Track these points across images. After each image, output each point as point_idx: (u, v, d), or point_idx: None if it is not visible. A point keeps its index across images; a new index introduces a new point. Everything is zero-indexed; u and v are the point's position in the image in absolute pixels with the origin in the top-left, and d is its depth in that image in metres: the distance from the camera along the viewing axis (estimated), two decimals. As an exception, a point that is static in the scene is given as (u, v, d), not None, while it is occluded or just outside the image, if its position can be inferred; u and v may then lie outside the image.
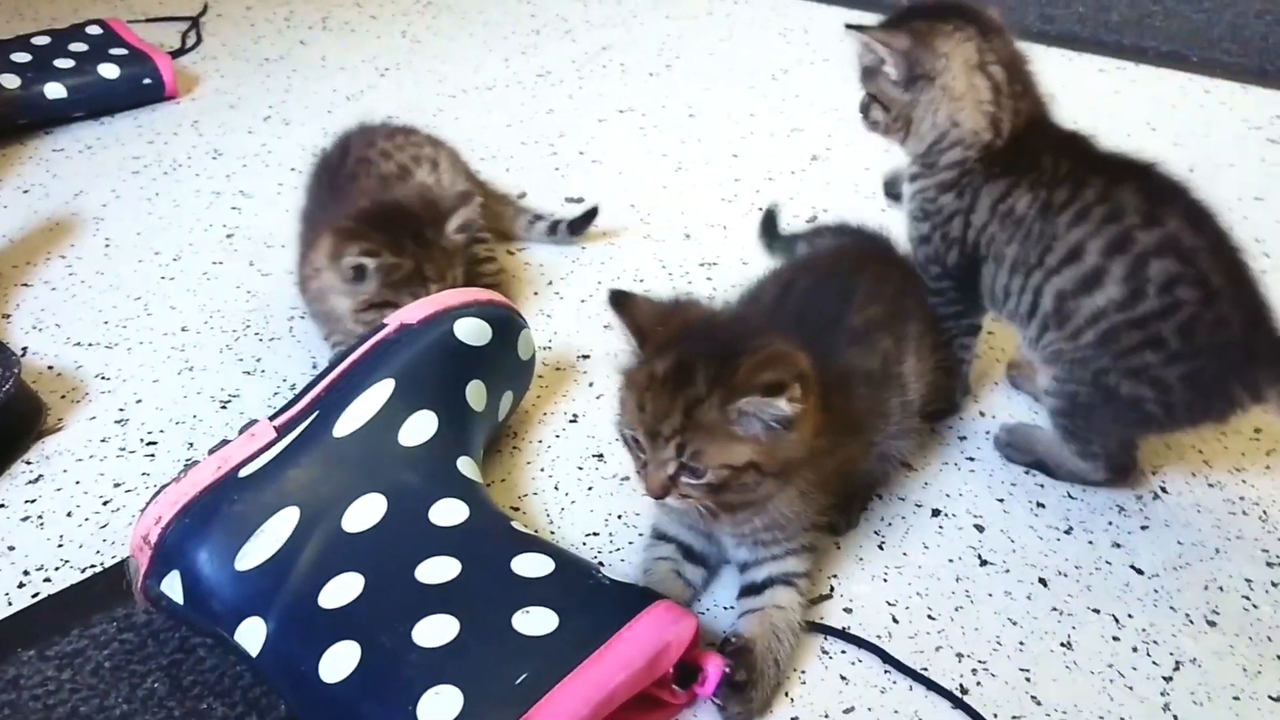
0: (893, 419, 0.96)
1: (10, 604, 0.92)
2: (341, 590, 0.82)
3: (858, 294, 0.97)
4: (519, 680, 0.74)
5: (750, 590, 0.89)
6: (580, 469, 1.05)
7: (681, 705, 0.82)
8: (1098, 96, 1.83)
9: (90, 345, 1.22)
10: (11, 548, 0.97)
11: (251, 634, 0.81)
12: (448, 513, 0.89)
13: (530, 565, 0.85)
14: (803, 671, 0.86)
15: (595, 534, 0.98)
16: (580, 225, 1.39)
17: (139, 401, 1.13)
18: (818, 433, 0.82)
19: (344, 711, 0.76)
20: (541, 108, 1.79)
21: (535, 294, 1.31)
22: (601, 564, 0.95)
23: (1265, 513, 1.01)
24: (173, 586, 0.84)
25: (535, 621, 0.79)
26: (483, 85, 1.87)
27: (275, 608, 0.82)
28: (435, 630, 0.78)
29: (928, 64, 0.98)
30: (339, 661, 0.78)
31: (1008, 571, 0.95)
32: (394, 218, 1.11)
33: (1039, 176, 0.97)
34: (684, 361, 0.80)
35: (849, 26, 1.00)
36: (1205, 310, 0.90)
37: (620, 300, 0.84)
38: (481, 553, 0.86)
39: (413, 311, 0.99)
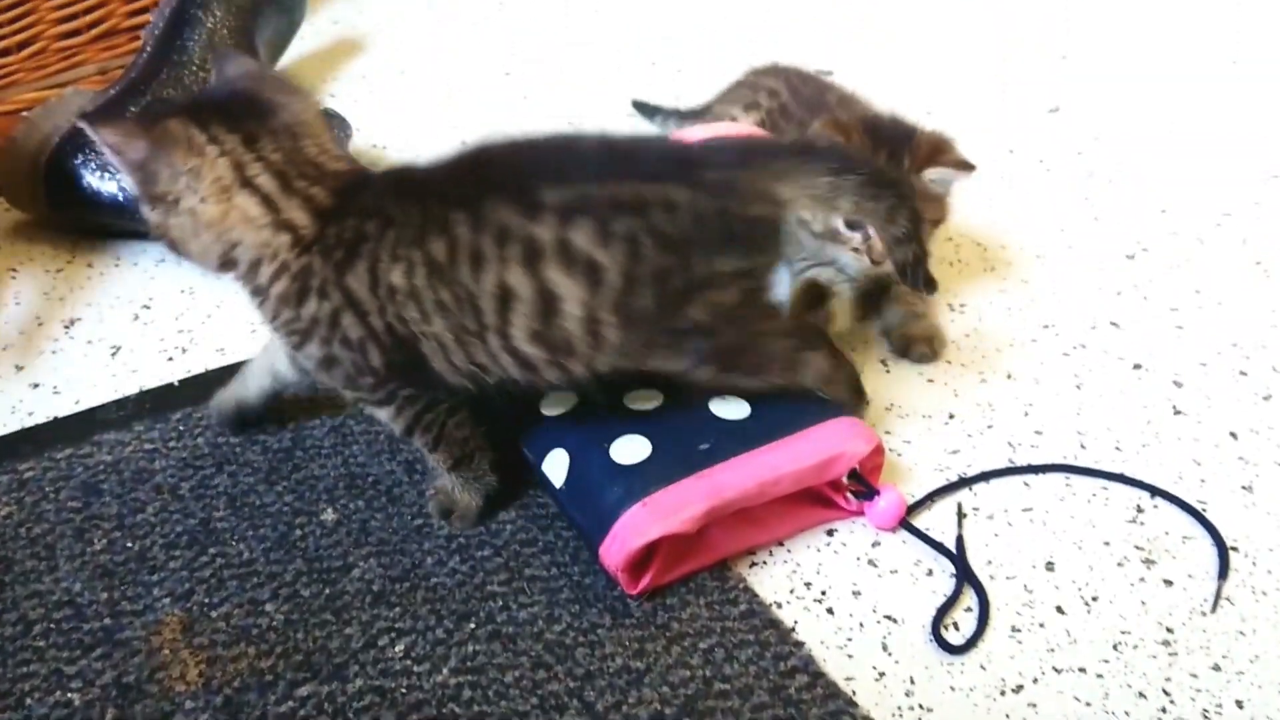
0: None
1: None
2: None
3: None
4: (701, 447, 0.86)
5: None
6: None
7: (849, 513, 0.91)
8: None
9: (384, 147, 1.39)
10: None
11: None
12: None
13: None
14: (987, 479, 0.95)
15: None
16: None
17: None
18: None
19: (551, 438, 0.90)
20: None
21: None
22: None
23: None
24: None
25: (730, 408, 0.90)
26: None
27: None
28: (642, 399, 0.91)
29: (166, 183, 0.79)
30: (559, 402, 0.92)
31: (1199, 423, 1.00)
32: None
33: (398, 237, 0.80)
34: (889, 154, 0.97)
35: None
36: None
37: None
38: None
39: (691, 134, 1.12)
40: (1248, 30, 1.68)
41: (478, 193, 0.80)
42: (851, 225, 0.98)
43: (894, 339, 1.07)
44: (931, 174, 0.97)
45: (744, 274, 0.84)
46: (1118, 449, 0.97)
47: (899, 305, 1.07)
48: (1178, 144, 1.42)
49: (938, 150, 0.99)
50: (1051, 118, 1.47)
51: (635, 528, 0.80)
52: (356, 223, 0.80)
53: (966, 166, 0.99)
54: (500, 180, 0.81)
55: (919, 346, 1.06)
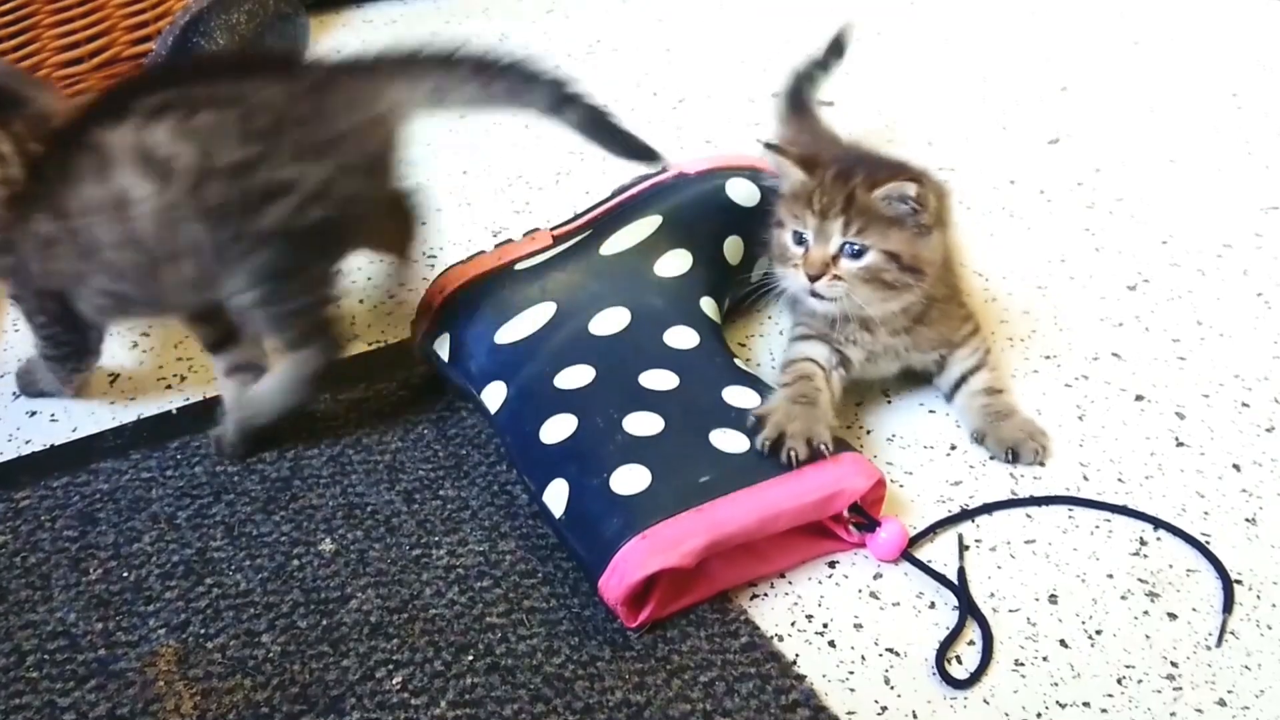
0: None
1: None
2: (575, 376, 0.95)
3: None
4: (701, 480, 0.85)
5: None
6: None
7: (851, 545, 0.90)
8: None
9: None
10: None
11: (495, 395, 0.97)
12: (680, 337, 1.00)
13: (739, 396, 0.95)
14: (990, 511, 0.94)
15: (812, 374, 1.08)
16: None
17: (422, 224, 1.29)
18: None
19: (552, 467, 0.89)
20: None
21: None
22: (814, 399, 1.05)
23: None
24: (442, 346, 1.00)
25: (729, 440, 0.90)
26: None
27: (518, 378, 0.96)
28: (643, 423, 0.90)
29: None
30: (558, 428, 0.91)
31: (1202, 454, 1.00)
32: None
33: (43, 186, 0.88)
34: (844, 168, 0.93)
35: None
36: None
37: (776, 147, 0.99)
38: (700, 375, 0.97)
39: (693, 164, 1.11)
40: (1247, 62, 1.69)
41: (87, 122, 0.86)
42: (799, 239, 0.94)
43: (991, 445, 0.99)
44: (880, 191, 0.91)
45: (333, 196, 0.87)
46: (1120, 481, 0.97)
47: (979, 405, 1.01)
48: (1178, 175, 1.42)
49: (901, 173, 0.93)
50: (1052, 149, 1.48)
51: (635, 561, 0.80)
52: (36, 175, 0.87)
53: (917, 180, 0.92)
54: (105, 103, 0.87)
55: (1028, 446, 0.98)
